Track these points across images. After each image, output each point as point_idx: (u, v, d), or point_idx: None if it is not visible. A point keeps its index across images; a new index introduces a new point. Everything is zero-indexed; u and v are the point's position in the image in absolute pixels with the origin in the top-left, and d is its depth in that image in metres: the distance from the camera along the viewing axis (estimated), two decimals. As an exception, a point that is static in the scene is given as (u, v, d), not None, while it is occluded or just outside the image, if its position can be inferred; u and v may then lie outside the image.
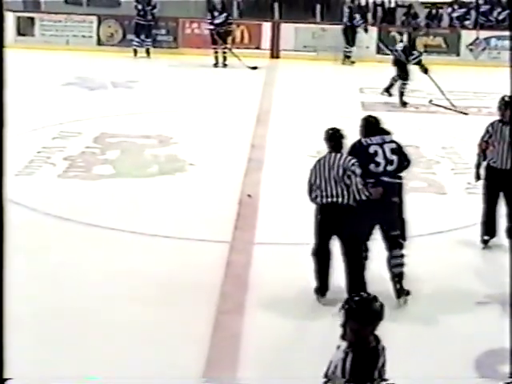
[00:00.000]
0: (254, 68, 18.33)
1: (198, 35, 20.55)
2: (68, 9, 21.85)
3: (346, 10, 19.71)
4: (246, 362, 5.66)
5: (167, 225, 8.41)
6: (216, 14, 19.01)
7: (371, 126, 6.97)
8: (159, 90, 16.06)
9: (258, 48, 20.63)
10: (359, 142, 6.89)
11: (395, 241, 6.78)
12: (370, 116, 7.23)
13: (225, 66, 18.96)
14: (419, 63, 14.46)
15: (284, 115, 13.91)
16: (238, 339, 6.01)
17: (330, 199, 6.52)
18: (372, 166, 6.72)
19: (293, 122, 13.29)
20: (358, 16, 19.57)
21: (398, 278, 6.75)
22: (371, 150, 6.78)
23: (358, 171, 6.48)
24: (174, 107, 14.43)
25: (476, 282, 7.28)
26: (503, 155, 7.75)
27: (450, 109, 14.30)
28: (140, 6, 19.95)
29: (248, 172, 10.36)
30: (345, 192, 6.52)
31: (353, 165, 6.52)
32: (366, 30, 19.82)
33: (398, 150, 6.93)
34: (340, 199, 6.51)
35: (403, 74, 14.62)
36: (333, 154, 6.63)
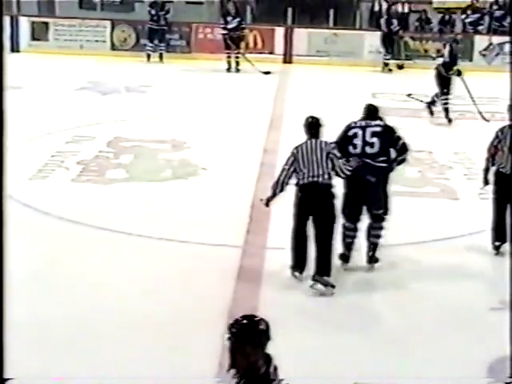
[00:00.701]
0: (267, 73, 18.35)
1: (211, 40, 20.59)
2: (82, 13, 21.94)
3: (384, 17, 19.71)
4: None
5: (180, 229, 8.43)
6: (229, 18, 19.04)
7: (367, 111, 7.67)
8: (172, 95, 16.11)
9: (271, 53, 20.65)
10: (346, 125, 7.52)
11: (378, 216, 7.46)
12: (370, 104, 7.92)
13: (238, 70, 18.98)
14: (459, 74, 14.15)
15: (296, 120, 13.86)
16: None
17: (310, 179, 6.96)
18: (350, 148, 7.30)
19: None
20: (395, 22, 19.52)
21: (373, 246, 7.56)
22: (351, 132, 7.39)
23: (338, 153, 7.10)
24: (187, 112, 14.47)
25: (489, 287, 7.27)
26: None
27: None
28: (153, 11, 20.02)
29: (260, 176, 10.37)
30: (325, 172, 6.96)
31: (333, 148, 7.14)
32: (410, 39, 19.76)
33: (382, 134, 7.33)
34: (320, 179, 6.94)
35: (445, 89, 14.10)
36: (313, 140, 7.18)
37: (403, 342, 6.19)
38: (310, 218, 7.00)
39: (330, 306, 6.79)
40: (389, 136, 7.38)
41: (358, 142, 7.29)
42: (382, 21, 19.70)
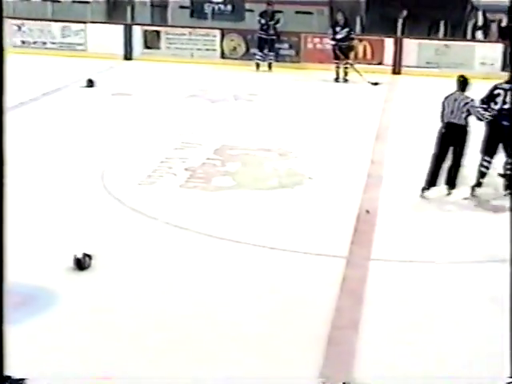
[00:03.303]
0: (376, 84, 18.24)
1: (320, 50, 20.61)
2: (193, 22, 22.31)
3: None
4: (360, 379, 5.62)
5: (284, 238, 8.44)
6: (338, 29, 19.03)
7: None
8: (280, 104, 16.18)
9: (380, 64, 20.52)
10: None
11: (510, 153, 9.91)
12: None
13: (346, 81, 18.95)
14: None
15: (404, 131, 13.79)
16: (352, 356, 5.97)
17: (450, 120, 9.66)
18: (492, 104, 9.81)
19: (412, 139, 13.15)
20: None
21: (508, 176, 9.93)
22: (496, 91, 9.93)
23: (476, 104, 9.62)
24: (295, 121, 14.51)
25: None
26: None
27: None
28: (263, 21, 20.17)
29: (367, 187, 10.30)
30: (462, 117, 9.58)
31: (472, 100, 9.64)
32: None
33: None
34: (456, 120, 9.61)
35: None
36: (458, 92, 9.72)
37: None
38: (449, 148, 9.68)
39: (427, 316, 6.68)
40: None
41: (499, 100, 9.84)
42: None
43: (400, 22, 20.75)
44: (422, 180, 9.81)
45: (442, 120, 9.79)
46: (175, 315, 6.54)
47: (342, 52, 18.97)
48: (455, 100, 9.68)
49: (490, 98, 9.89)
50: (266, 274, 7.51)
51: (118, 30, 21.69)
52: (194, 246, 8.14)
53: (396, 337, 6.32)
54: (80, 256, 7.35)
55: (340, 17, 19.26)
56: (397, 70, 20.48)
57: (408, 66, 20.36)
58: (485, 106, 9.78)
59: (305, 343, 6.13)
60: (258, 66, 20.32)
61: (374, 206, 9.55)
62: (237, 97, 16.74)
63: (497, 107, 9.78)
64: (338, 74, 19.06)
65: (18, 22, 22.15)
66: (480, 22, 21.46)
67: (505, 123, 9.64)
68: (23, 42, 22.17)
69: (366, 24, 21.97)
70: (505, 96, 9.80)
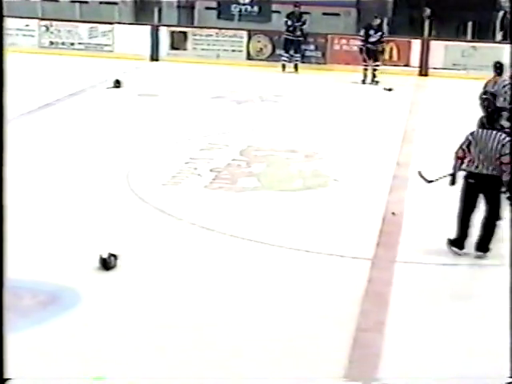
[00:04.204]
0: (390, 90, 18.06)
1: (347, 51, 20.57)
2: (220, 23, 22.35)
3: None
4: (385, 382, 5.59)
5: (309, 239, 8.42)
6: (372, 32, 18.93)
7: None
8: (306, 105, 16.17)
9: (406, 65, 20.44)
10: None
11: None
12: None
13: (376, 83, 18.83)
14: None
15: (430, 133, 13.72)
16: (377, 358, 5.95)
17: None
18: None
19: (439, 141, 13.09)
20: None
21: None
22: None
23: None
24: (320, 122, 14.49)
25: None
26: None
27: None
28: (290, 22, 20.13)
29: (393, 189, 10.26)
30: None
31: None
32: None
33: None
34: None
35: None
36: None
37: None
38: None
39: (452, 319, 6.64)
40: None
41: None
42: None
43: (427, 23, 20.66)
44: (447, 184, 9.56)
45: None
46: (200, 315, 6.54)
47: (373, 54, 18.90)
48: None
49: None
50: (291, 275, 7.50)
51: (144, 30, 21.77)
52: (218, 247, 8.15)
53: (421, 339, 6.29)
54: (106, 256, 7.38)
55: (376, 20, 19.15)
56: (423, 71, 20.39)
57: (435, 68, 20.27)
58: None
59: (330, 345, 6.11)
60: (284, 67, 20.30)
61: (399, 207, 9.51)
62: (262, 98, 16.74)
63: None
64: (365, 76, 19.01)
65: (47, 22, 22.30)
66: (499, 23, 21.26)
67: None
68: (51, 43, 22.30)
69: (393, 25, 21.89)
70: None
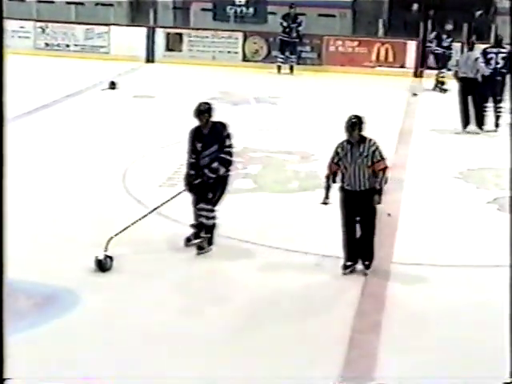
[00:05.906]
0: (415, 95, 17.96)
1: (343, 53, 20.61)
2: (215, 25, 22.35)
3: None
4: (381, 382, 5.60)
5: (306, 241, 8.43)
6: (444, 36, 18.66)
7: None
8: (302, 107, 16.18)
9: (402, 67, 20.47)
10: None
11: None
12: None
13: (445, 91, 18.13)
14: None
15: (426, 135, 13.74)
16: (373, 359, 5.96)
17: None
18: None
19: (435, 142, 13.11)
20: None
21: None
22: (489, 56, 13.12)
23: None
24: (316, 124, 14.48)
25: None
26: None
27: None
28: (285, 24, 20.15)
29: (388, 191, 10.24)
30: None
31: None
32: None
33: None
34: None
35: None
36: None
37: None
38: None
39: (448, 319, 6.64)
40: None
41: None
42: None
43: (421, 25, 20.65)
44: (443, 186, 9.73)
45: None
46: (197, 317, 6.55)
47: (443, 60, 18.62)
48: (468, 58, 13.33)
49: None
50: (288, 276, 7.50)
51: (140, 32, 21.77)
52: (215, 249, 8.14)
53: (417, 340, 6.29)
54: (102, 257, 7.38)
55: (450, 26, 18.80)
56: (418, 73, 20.39)
57: (430, 69, 20.26)
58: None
59: (326, 346, 6.12)
60: (279, 68, 20.32)
61: (395, 209, 9.51)
62: (258, 99, 16.75)
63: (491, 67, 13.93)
64: (437, 81, 18.64)
65: (42, 24, 22.28)
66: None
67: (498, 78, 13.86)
68: (47, 45, 22.29)
69: (388, 27, 21.91)
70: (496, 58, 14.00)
